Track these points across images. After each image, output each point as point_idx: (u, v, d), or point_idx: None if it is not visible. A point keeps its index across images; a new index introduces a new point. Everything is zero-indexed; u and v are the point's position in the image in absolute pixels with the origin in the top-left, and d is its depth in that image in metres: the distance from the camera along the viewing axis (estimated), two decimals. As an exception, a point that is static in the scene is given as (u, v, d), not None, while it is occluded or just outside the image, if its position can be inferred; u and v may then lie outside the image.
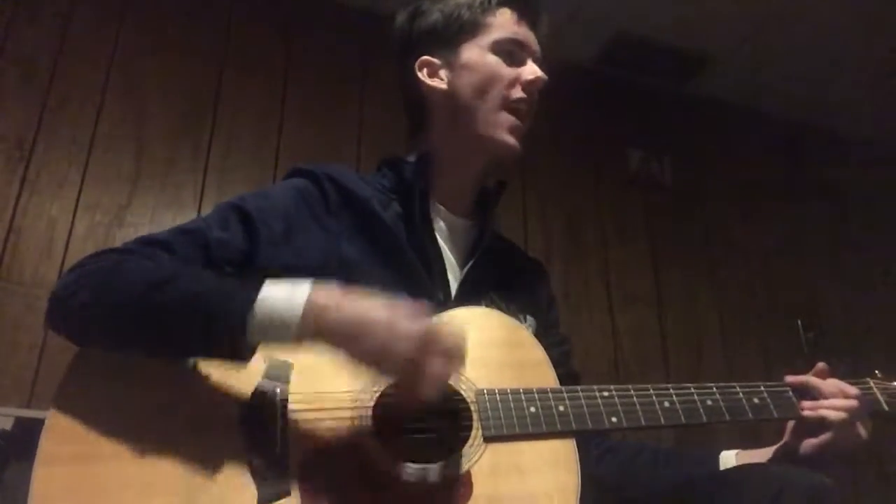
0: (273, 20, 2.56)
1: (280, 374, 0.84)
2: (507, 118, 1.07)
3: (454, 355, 0.78)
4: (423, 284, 1.01)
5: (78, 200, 2.10)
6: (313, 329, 0.76)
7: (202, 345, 0.79)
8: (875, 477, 2.64)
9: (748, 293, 2.91)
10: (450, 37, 1.11)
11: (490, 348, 0.93)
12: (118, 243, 2.10)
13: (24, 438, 1.44)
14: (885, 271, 3.07)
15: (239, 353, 0.78)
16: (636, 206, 2.90)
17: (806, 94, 3.13)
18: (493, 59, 1.08)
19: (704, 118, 3.18)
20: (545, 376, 0.92)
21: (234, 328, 0.76)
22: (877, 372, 1.07)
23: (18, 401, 1.81)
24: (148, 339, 0.81)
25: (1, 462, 1.47)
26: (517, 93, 1.08)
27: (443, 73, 1.11)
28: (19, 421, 1.71)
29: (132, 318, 0.80)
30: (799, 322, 2.84)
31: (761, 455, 1.03)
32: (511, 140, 1.08)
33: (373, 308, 0.77)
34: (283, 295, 0.77)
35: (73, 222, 2.08)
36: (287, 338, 0.77)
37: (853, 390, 1.00)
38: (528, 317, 1.11)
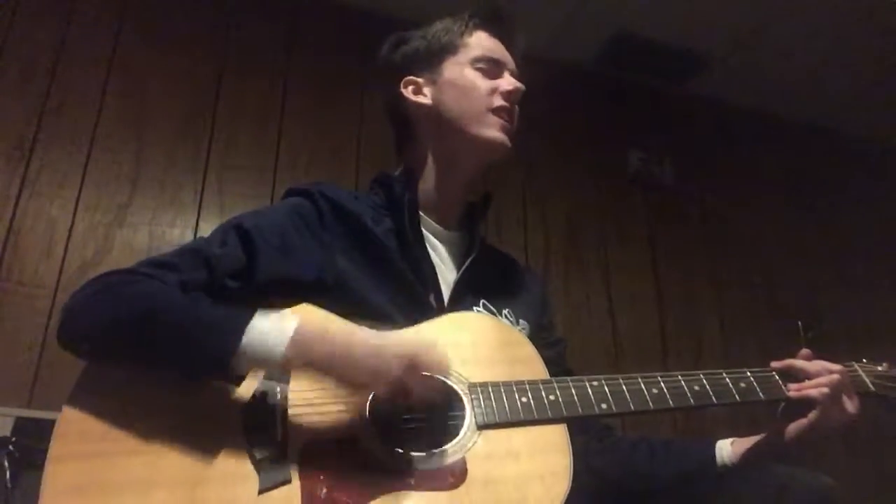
0: (273, 20, 2.57)
1: (281, 374, 0.87)
2: (494, 119, 1.14)
3: (440, 369, 0.85)
4: (416, 294, 1.05)
5: (78, 200, 2.11)
6: (301, 359, 0.82)
7: (195, 370, 0.84)
8: (875, 476, 2.64)
9: (748, 293, 2.91)
10: (431, 57, 1.19)
11: (481, 347, 0.96)
12: (118, 243, 2.15)
13: (37, 448, 1.45)
14: (885, 271, 3.08)
15: (229, 377, 0.84)
16: (636, 206, 2.90)
17: (806, 94, 3.14)
18: (472, 73, 1.16)
19: (704, 118, 3.18)
20: (535, 370, 0.96)
21: (223, 357, 0.81)
22: (864, 359, 1.09)
23: (18, 401, 1.82)
24: (145, 361, 0.85)
25: (14, 469, 1.48)
26: (498, 101, 1.15)
27: (427, 90, 1.18)
28: (19, 421, 1.71)
29: (130, 342, 0.84)
30: (799, 322, 2.83)
31: (755, 441, 1.04)
32: (501, 135, 1.14)
33: (359, 338, 0.84)
34: (271, 326, 0.82)
35: (73, 222, 2.08)
36: (274, 365, 0.83)
37: (836, 367, 1.02)
38: (522, 320, 1.15)
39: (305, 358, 0.82)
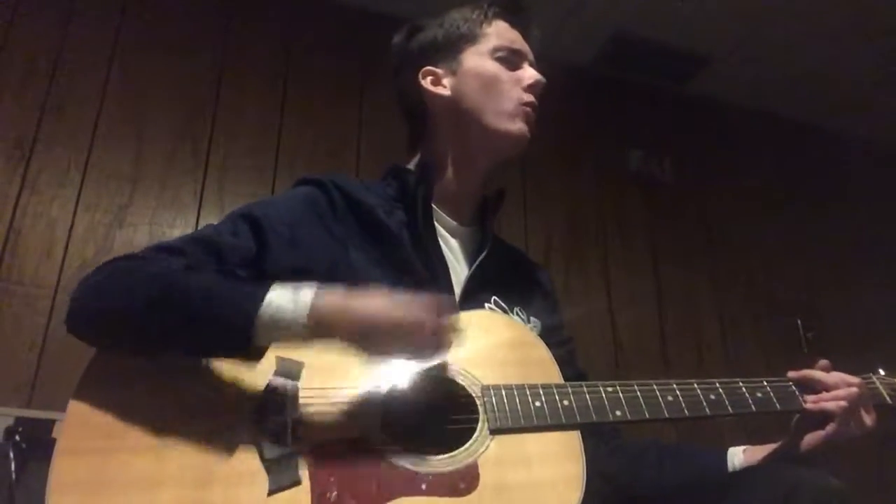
0: (273, 20, 2.57)
1: (292, 371, 0.86)
2: (518, 111, 1.11)
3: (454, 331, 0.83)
4: (428, 289, 1.02)
5: (78, 200, 2.10)
6: (320, 331, 0.80)
7: (212, 346, 0.82)
8: (875, 479, 2.64)
9: (748, 293, 2.91)
10: (450, 47, 1.15)
11: (494, 348, 0.95)
12: (118, 243, 2.15)
13: (43, 439, 1.44)
14: (885, 271, 3.07)
15: (248, 353, 0.81)
16: (636, 206, 2.90)
17: (805, 94, 3.14)
18: (493, 65, 1.13)
19: (704, 118, 3.18)
20: (549, 373, 0.94)
21: (242, 331, 0.79)
22: (881, 370, 1.08)
23: (18, 401, 1.81)
24: (161, 341, 0.83)
25: (20, 462, 1.47)
26: (521, 93, 1.12)
27: (446, 80, 1.14)
28: (19, 421, 1.71)
29: (145, 322, 0.82)
30: (799, 322, 2.84)
31: (768, 450, 1.03)
32: (523, 126, 1.11)
33: (378, 309, 0.81)
34: (287, 298, 0.80)
35: (73, 222, 2.08)
36: (294, 338, 0.81)
37: (855, 380, 1.00)
38: (533, 318, 1.13)
39: (324, 330, 0.80)
